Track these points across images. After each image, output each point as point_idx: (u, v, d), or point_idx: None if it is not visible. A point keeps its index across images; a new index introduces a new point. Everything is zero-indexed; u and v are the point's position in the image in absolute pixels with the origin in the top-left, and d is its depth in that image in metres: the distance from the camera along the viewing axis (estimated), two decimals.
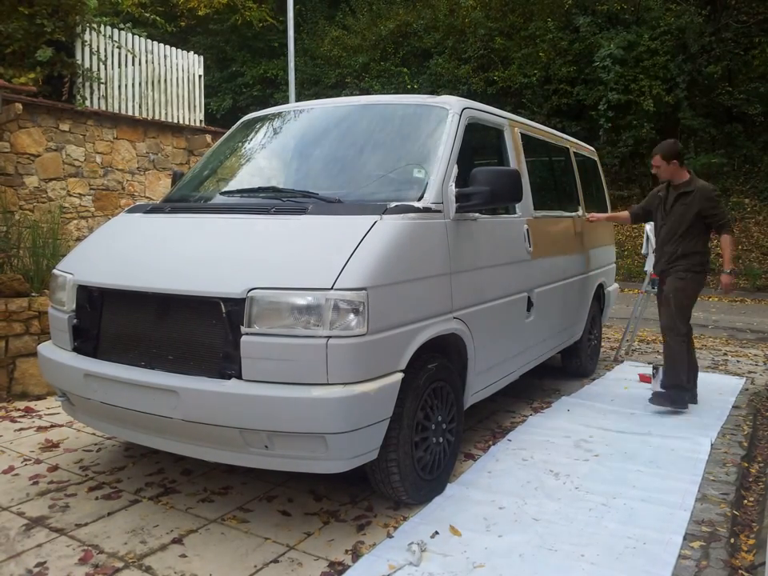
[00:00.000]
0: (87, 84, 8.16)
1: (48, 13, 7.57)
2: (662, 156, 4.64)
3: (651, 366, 5.21)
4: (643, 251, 6.52)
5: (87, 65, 8.15)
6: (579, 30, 15.97)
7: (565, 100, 16.17)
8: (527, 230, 4.02)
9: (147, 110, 9.01)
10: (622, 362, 6.31)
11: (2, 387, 4.64)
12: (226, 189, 3.71)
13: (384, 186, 3.19)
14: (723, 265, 4.68)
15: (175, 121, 9.25)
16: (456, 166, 3.22)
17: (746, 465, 3.71)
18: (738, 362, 6.49)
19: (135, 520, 2.86)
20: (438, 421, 3.11)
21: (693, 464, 3.60)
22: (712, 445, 3.91)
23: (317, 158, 3.68)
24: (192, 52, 9.92)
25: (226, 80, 20.36)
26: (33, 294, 4.82)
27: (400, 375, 2.71)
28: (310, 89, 19.14)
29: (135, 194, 8.19)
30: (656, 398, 4.62)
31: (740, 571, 2.57)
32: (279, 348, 2.48)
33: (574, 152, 5.47)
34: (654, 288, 6.53)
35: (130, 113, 8.63)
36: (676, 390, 4.58)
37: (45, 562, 2.52)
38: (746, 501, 3.27)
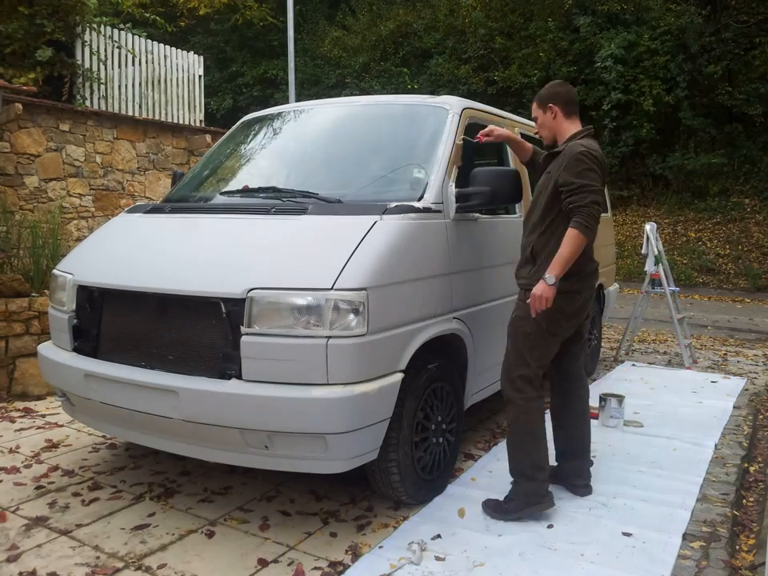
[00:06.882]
0: (87, 84, 8.16)
1: (48, 13, 7.56)
2: (537, 103, 3.08)
3: (599, 395, 4.16)
4: (643, 251, 6.51)
5: (87, 65, 8.15)
6: (579, 30, 15.97)
7: None
8: None
9: (147, 110, 9.01)
10: (622, 362, 6.31)
11: (2, 387, 4.64)
12: (226, 189, 3.71)
13: (384, 186, 3.19)
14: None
15: (175, 121, 9.25)
16: (456, 166, 3.21)
17: (746, 465, 3.71)
18: (737, 362, 6.49)
19: (135, 520, 2.86)
20: (438, 421, 3.10)
21: (696, 465, 3.59)
22: (715, 446, 3.91)
23: (317, 158, 3.69)
24: (192, 52, 9.93)
25: (226, 80, 20.38)
26: (33, 294, 4.82)
27: (400, 375, 2.71)
28: (310, 89, 19.14)
29: (135, 194, 8.19)
30: (486, 506, 2.96)
31: (740, 571, 2.57)
32: (279, 348, 2.48)
33: None
34: (654, 288, 6.54)
35: (130, 113, 8.63)
36: (521, 481, 2.92)
37: (45, 562, 2.52)
38: (745, 501, 3.27)
